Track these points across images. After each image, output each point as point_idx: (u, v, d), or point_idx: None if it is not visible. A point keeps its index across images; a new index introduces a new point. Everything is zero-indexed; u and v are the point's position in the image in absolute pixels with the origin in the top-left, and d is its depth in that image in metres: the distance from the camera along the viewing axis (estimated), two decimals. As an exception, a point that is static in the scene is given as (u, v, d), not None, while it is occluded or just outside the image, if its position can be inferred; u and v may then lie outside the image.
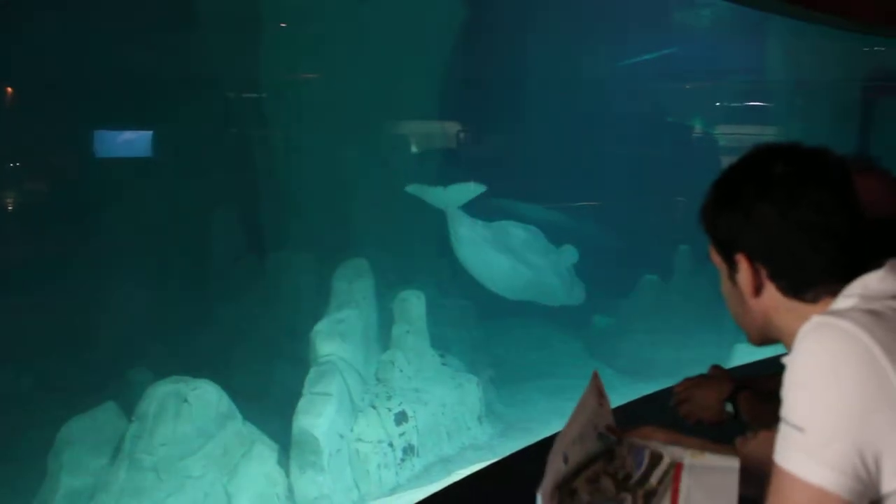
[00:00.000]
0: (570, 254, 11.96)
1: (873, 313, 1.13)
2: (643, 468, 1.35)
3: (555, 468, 1.29)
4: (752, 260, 1.28)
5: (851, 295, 1.19)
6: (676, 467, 1.31)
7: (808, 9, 4.69)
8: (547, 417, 9.52)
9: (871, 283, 1.19)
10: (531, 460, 2.95)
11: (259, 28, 11.09)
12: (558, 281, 11.65)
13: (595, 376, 1.49)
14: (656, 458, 1.35)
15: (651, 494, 1.31)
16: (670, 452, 1.34)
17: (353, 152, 11.70)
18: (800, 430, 1.09)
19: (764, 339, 1.37)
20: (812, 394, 1.09)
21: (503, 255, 11.37)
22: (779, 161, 1.25)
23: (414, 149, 13.22)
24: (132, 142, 12.28)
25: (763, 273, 1.28)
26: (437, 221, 12.63)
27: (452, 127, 13.53)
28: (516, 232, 11.77)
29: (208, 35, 11.35)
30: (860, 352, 1.08)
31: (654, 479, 1.32)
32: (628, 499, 1.32)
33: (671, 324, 12.25)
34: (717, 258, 1.37)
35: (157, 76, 11.25)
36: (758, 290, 1.30)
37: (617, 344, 12.30)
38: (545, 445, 3.04)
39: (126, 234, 11.07)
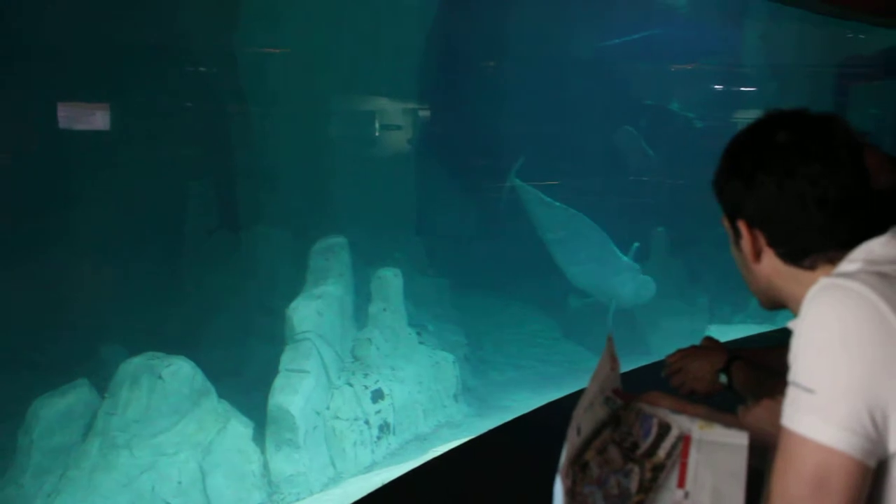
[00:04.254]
0: (639, 252, 12.41)
1: (882, 275, 1.14)
2: (651, 438, 1.35)
3: (570, 442, 1.29)
4: (751, 227, 1.32)
5: (856, 260, 1.21)
6: (685, 441, 1.31)
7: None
8: (522, 395, 9.60)
9: (875, 248, 1.21)
10: (506, 438, 2.97)
11: (235, 0, 10.92)
12: (630, 279, 11.88)
13: (609, 341, 1.49)
14: (664, 429, 1.35)
15: (659, 468, 1.31)
16: (678, 423, 1.34)
17: (331, 128, 11.61)
18: (810, 391, 1.10)
19: (772, 304, 1.39)
20: (822, 355, 1.11)
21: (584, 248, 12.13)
22: (783, 129, 1.27)
23: (392, 125, 13.16)
24: (103, 114, 12.07)
25: (762, 240, 1.31)
26: (414, 199, 12.65)
27: (431, 103, 13.48)
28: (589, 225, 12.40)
29: (184, 6, 11.17)
30: (869, 312, 1.09)
31: (661, 452, 1.32)
32: (635, 470, 1.32)
33: (645, 305, 12.35)
34: (726, 223, 1.40)
35: (129, 47, 11.06)
36: (758, 255, 1.33)
37: (591, 323, 12.39)
38: (520, 423, 3.07)
39: (97, 208, 10.92)
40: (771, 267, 1.32)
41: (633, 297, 11.89)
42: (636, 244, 12.20)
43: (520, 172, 13.08)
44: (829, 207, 1.22)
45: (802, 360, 1.13)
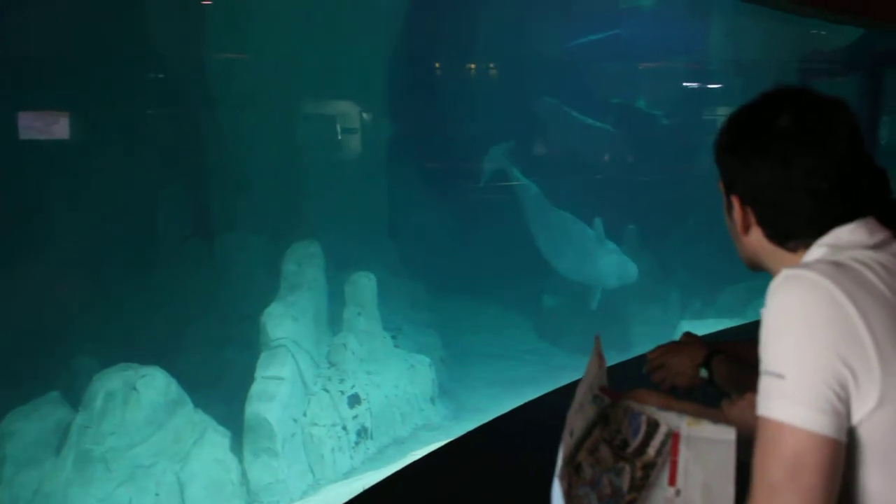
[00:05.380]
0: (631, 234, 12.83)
1: (836, 264, 1.20)
2: (640, 436, 1.37)
3: (564, 444, 1.30)
4: (743, 203, 1.37)
5: (822, 245, 1.28)
6: (674, 438, 1.33)
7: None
8: (499, 396, 9.62)
9: (842, 234, 1.27)
10: (486, 439, 2.98)
11: (204, 5, 10.85)
12: (613, 261, 12.14)
13: (597, 340, 1.50)
14: (653, 426, 1.37)
15: (650, 466, 1.32)
16: (666, 419, 1.36)
17: (302, 132, 11.57)
18: (780, 377, 1.15)
19: (753, 266, 1.46)
20: (787, 340, 1.16)
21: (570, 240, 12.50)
22: (785, 114, 1.30)
23: (363, 129, 13.14)
24: (72, 122, 11.92)
25: (751, 216, 1.37)
26: (386, 203, 12.65)
27: (401, 106, 13.49)
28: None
29: (152, 13, 11.07)
30: (826, 298, 1.15)
31: (651, 450, 1.34)
32: (626, 468, 1.34)
33: (619, 302, 12.44)
34: (722, 188, 1.44)
35: (97, 54, 10.94)
36: (747, 229, 1.39)
37: (566, 322, 12.46)
38: (498, 425, 3.09)
39: (68, 217, 10.78)
40: (757, 242, 1.38)
41: (617, 278, 12.05)
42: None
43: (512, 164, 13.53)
44: (819, 198, 1.27)
45: (770, 348, 1.18)
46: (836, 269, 1.19)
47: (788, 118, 1.29)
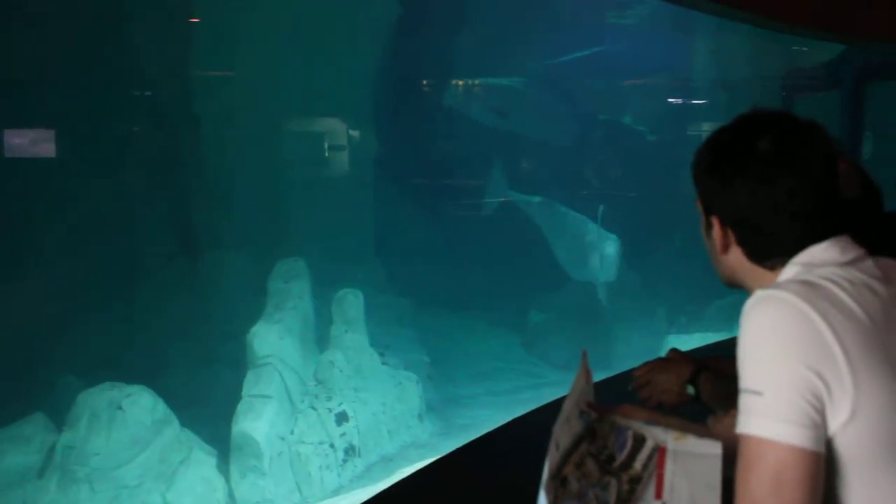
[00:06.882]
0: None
1: (807, 283, 1.23)
2: (627, 451, 1.37)
3: (550, 457, 1.31)
4: (723, 224, 1.38)
5: (796, 263, 1.31)
6: (660, 452, 1.33)
7: (736, 8, 4.83)
8: (487, 413, 9.61)
9: (815, 252, 1.30)
10: (474, 456, 2.97)
11: (188, 23, 10.85)
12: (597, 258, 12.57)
13: (584, 356, 1.51)
14: (639, 441, 1.37)
15: (636, 480, 1.33)
16: (652, 434, 1.37)
17: (288, 150, 11.57)
18: (758, 393, 1.17)
19: (731, 285, 1.47)
20: (763, 358, 1.19)
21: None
22: (765, 136, 1.32)
23: (348, 146, 13.17)
24: (56, 141, 11.87)
25: (731, 237, 1.38)
26: (372, 219, 12.66)
27: (386, 123, 13.53)
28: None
29: (136, 30, 11.06)
30: (798, 316, 1.18)
31: (637, 464, 1.34)
32: (613, 483, 1.34)
33: (604, 318, 12.47)
34: (699, 208, 1.46)
35: (82, 72, 10.91)
36: (726, 249, 1.40)
37: (553, 338, 12.46)
38: (487, 441, 3.08)
39: (53, 235, 10.71)
40: (736, 261, 1.40)
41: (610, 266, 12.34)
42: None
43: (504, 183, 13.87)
44: (800, 219, 1.30)
45: (747, 366, 1.21)
46: (808, 287, 1.22)
47: (769, 140, 1.31)
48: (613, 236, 12.75)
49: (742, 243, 1.37)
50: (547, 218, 13.63)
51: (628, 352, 10.96)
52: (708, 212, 1.41)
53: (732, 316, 11.32)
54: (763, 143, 1.31)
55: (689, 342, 9.34)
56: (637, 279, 13.18)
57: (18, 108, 11.12)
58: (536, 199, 13.81)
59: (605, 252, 12.53)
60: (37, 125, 11.77)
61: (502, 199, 14.75)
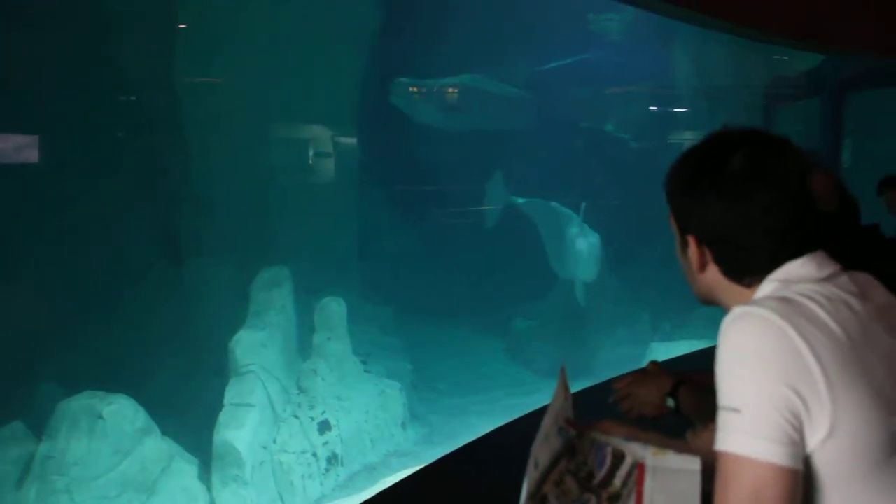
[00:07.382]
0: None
1: (784, 300, 1.23)
2: (606, 468, 1.36)
3: (529, 477, 1.30)
4: (699, 243, 1.38)
5: (773, 280, 1.31)
6: (639, 468, 1.33)
7: (716, 17, 4.87)
8: (470, 421, 9.58)
9: (792, 269, 1.30)
10: (458, 465, 2.96)
11: (172, 30, 10.81)
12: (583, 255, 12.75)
13: (562, 372, 1.50)
14: (618, 457, 1.36)
15: (616, 497, 1.32)
16: (631, 450, 1.36)
17: (271, 157, 11.53)
18: (736, 411, 1.17)
19: (708, 302, 1.47)
20: (740, 375, 1.18)
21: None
22: (738, 153, 1.31)
23: (332, 153, 13.15)
24: (39, 146, 11.79)
25: (708, 255, 1.38)
26: (356, 227, 12.63)
27: (370, 130, 13.53)
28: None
29: (121, 36, 11.01)
30: (776, 333, 1.18)
31: (617, 481, 1.34)
32: (592, 500, 1.33)
33: (588, 325, 12.50)
34: (673, 226, 1.45)
35: (66, 78, 10.84)
36: (703, 267, 1.40)
37: (536, 345, 12.47)
38: (470, 450, 3.07)
39: (33, 241, 10.61)
40: (713, 279, 1.39)
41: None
42: (584, 203, 12.93)
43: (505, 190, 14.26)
44: (776, 235, 1.29)
45: (725, 383, 1.20)
46: (785, 304, 1.22)
47: (742, 156, 1.31)
48: (595, 233, 12.91)
49: (719, 261, 1.36)
50: (544, 216, 13.90)
51: (612, 359, 10.99)
52: (683, 231, 1.41)
53: (716, 324, 11.29)
54: (736, 160, 1.30)
55: (672, 349, 9.38)
56: (621, 286, 13.23)
57: (5, 113, 11.04)
58: (538, 200, 14.03)
59: (585, 247, 12.61)
60: (21, 131, 11.69)
61: (493, 207, 14.89)
